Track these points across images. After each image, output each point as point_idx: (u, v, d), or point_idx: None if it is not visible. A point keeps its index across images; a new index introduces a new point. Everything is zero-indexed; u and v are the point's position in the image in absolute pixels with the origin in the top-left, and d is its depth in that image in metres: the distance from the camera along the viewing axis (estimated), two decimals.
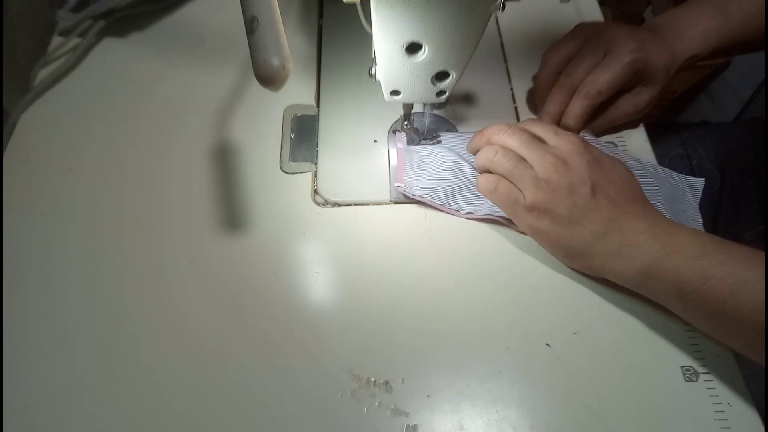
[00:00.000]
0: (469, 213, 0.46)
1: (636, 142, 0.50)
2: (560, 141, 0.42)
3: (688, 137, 0.65)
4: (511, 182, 0.42)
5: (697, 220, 0.46)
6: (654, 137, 0.51)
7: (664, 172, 0.48)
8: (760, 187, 0.62)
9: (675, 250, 0.36)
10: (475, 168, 0.47)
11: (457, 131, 0.52)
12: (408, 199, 0.47)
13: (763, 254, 0.34)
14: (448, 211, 0.47)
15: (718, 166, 0.62)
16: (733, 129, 0.66)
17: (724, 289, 0.33)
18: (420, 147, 0.49)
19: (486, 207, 0.45)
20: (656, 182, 0.46)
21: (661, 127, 0.65)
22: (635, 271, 0.38)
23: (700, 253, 0.35)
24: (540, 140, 0.43)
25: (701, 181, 0.47)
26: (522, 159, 0.42)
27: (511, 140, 0.43)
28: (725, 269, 0.33)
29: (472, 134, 0.48)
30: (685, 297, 0.35)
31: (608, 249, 0.39)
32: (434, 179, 0.47)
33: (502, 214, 0.45)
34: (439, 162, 0.47)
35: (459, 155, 0.48)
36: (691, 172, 0.62)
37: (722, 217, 0.62)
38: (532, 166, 0.41)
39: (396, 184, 0.47)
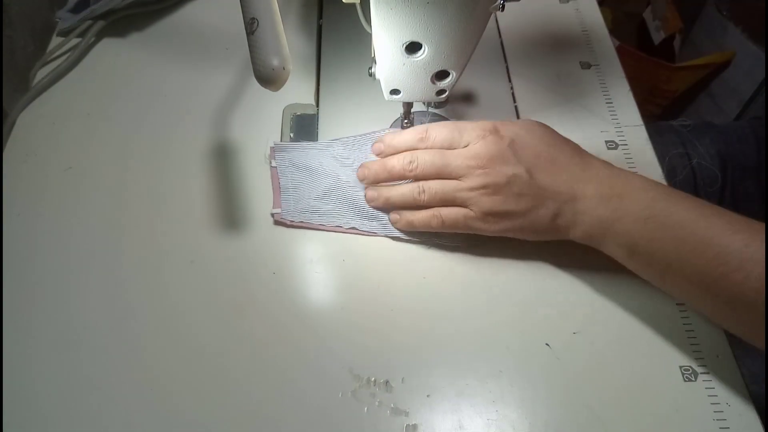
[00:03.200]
0: (353, 228, 0.45)
1: (636, 142, 0.50)
2: (470, 137, 0.41)
3: (688, 136, 0.65)
4: (446, 203, 0.41)
5: None
6: (654, 137, 0.51)
7: None
8: (761, 185, 0.62)
9: (624, 214, 0.37)
10: (356, 183, 0.45)
11: None
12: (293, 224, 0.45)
13: (703, 204, 0.36)
14: (329, 228, 0.45)
15: (719, 165, 0.62)
16: (733, 128, 0.66)
17: (669, 252, 0.35)
18: (296, 158, 0.47)
19: (378, 225, 0.44)
20: None
21: (661, 127, 0.65)
22: (592, 236, 0.39)
23: (648, 215, 0.36)
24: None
25: None
26: (444, 176, 0.41)
27: (424, 159, 0.41)
28: (671, 230, 0.35)
29: (351, 138, 0.47)
30: (635, 257, 0.38)
31: (567, 221, 0.39)
32: (313, 201, 0.45)
33: (395, 232, 0.44)
34: (318, 181, 0.46)
35: (337, 169, 0.46)
36: (692, 172, 0.62)
37: None
38: (458, 178, 0.40)
39: (272, 211, 0.45)
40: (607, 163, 0.40)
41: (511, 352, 0.40)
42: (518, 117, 0.53)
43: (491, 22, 0.59)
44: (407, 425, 0.37)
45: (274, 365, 0.40)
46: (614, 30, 1.17)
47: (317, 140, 0.51)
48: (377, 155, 0.45)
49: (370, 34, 0.37)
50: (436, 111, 0.53)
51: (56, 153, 0.51)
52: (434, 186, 0.41)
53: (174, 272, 0.44)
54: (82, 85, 0.56)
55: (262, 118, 0.52)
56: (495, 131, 0.40)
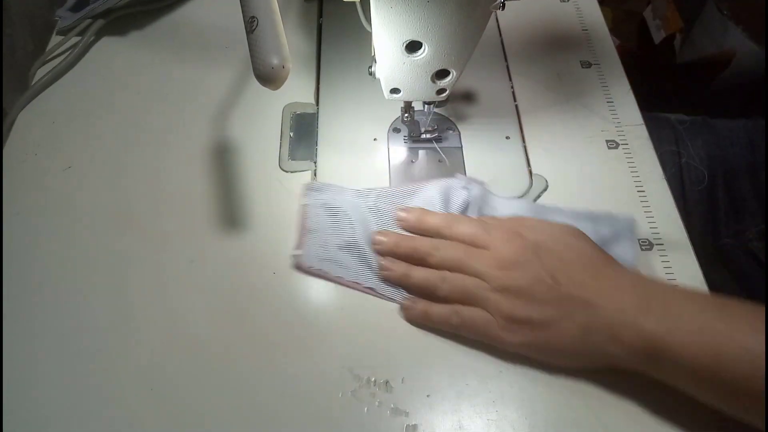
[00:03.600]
0: (370, 288, 0.42)
1: (637, 141, 0.50)
2: (495, 238, 0.39)
3: (682, 135, 0.65)
4: (465, 300, 0.39)
5: (632, 260, 0.42)
6: (649, 131, 0.51)
7: (594, 215, 0.44)
8: (755, 186, 0.62)
9: (676, 325, 0.32)
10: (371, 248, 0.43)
11: (458, 129, 0.52)
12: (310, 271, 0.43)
13: (762, 310, 0.32)
14: (346, 282, 0.42)
15: (708, 165, 0.62)
16: (728, 129, 0.66)
17: (743, 366, 0.30)
18: (329, 200, 0.45)
19: (396, 292, 0.42)
20: (592, 225, 0.43)
21: (659, 121, 0.65)
22: (637, 353, 0.34)
23: (702, 324, 0.32)
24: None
25: (631, 219, 0.44)
26: (465, 273, 0.39)
27: (448, 251, 0.40)
28: (735, 342, 0.31)
29: (387, 190, 0.45)
30: (699, 376, 0.32)
31: (602, 337, 0.35)
32: (336, 250, 0.43)
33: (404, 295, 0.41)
34: (344, 229, 0.44)
35: (366, 221, 0.44)
36: (679, 170, 0.62)
37: (722, 216, 0.62)
38: (481, 279, 0.38)
39: (293, 252, 0.43)
40: (642, 275, 0.37)
41: (511, 353, 0.40)
42: (519, 116, 0.53)
43: (491, 21, 0.59)
44: (407, 425, 0.37)
45: (274, 365, 0.40)
46: (614, 29, 1.17)
47: (317, 138, 0.51)
48: (400, 224, 0.44)
49: (370, 33, 0.37)
50: (437, 110, 0.53)
51: (56, 152, 0.51)
52: (457, 279, 0.39)
53: (174, 272, 0.44)
54: (81, 84, 0.56)
55: (261, 117, 0.52)
56: (520, 235, 0.38)
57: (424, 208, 0.43)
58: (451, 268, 0.39)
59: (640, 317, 0.33)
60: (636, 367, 0.35)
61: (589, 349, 0.36)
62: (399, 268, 0.41)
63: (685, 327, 0.32)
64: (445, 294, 0.39)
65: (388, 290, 0.42)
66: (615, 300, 0.35)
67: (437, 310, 0.39)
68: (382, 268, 0.42)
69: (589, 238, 0.39)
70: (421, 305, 0.40)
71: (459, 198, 0.44)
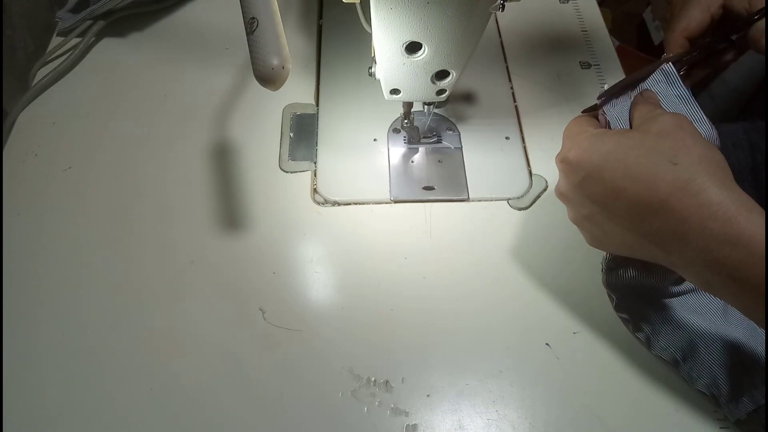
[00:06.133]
0: None
1: None
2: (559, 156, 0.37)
3: None
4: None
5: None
6: None
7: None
8: (757, 188, 0.62)
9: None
10: None
11: (457, 130, 0.52)
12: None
13: None
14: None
15: None
16: (728, 132, 0.66)
17: None
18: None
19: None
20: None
21: None
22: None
23: None
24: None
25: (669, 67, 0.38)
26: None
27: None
28: None
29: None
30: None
31: (666, 263, 0.32)
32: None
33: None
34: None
35: None
36: None
37: None
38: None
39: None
40: (725, 206, 0.28)
41: (511, 352, 0.40)
42: (518, 117, 0.53)
43: (491, 22, 0.59)
44: (407, 425, 0.37)
45: (274, 365, 0.40)
46: (614, 30, 1.17)
47: (317, 139, 0.51)
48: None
49: (370, 34, 0.37)
50: (436, 111, 0.53)
51: (56, 153, 0.51)
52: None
53: (174, 272, 0.44)
54: (82, 85, 0.56)
55: (262, 118, 0.52)
56: (566, 159, 0.35)
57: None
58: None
59: (703, 272, 0.30)
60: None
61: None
62: None
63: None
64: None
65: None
66: (674, 251, 0.30)
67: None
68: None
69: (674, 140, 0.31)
70: None
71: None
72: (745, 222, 0.27)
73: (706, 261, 0.29)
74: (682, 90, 0.37)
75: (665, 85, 0.38)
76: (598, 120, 0.39)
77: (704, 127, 0.35)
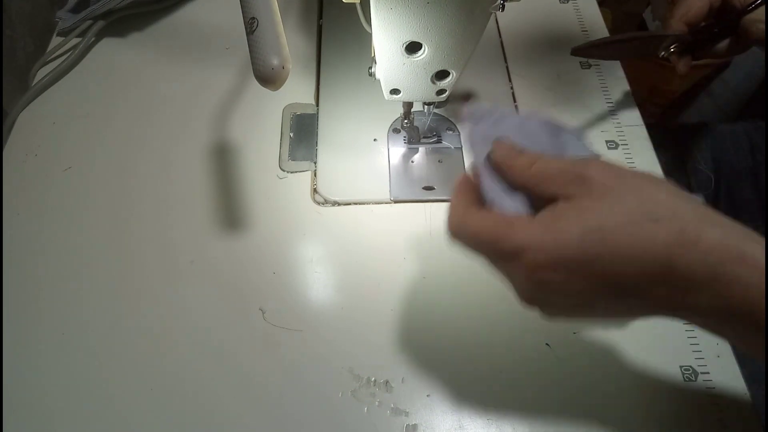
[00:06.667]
0: None
1: (637, 142, 0.50)
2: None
3: (685, 139, 0.65)
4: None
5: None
6: (652, 139, 0.51)
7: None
8: (757, 189, 0.62)
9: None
10: None
11: (457, 130, 0.52)
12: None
13: None
14: None
15: (714, 169, 0.63)
16: (728, 132, 0.66)
17: None
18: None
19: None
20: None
21: (660, 129, 0.65)
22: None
23: None
24: None
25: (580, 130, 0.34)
26: None
27: None
28: None
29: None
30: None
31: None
32: None
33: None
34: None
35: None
36: (686, 175, 0.62)
37: None
38: None
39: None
40: (726, 246, 0.26)
41: (511, 352, 0.40)
42: None
43: (491, 22, 0.59)
44: (407, 425, 0.37)
45: (274, 365, 0.40)
46: (614, 30, 1.17)
47: (318, 139, 0.51)
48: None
49: (370, 34, 0.37)
50: (436, 111, 0.53)
51: (56, 153, 0.51)
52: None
53: (174, 272, 0.44)
54: (82, 85, 0.56)
55: (262, 118, 0.52)
56: (538, 268, 0.28)
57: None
58: None
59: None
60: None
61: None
62: None
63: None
64: None
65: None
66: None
67: None
68: None
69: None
70: None
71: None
72: (751, 251, 0.25)
73: (720, 308, 0.26)
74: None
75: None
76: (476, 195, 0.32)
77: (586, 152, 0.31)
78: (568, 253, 0.27)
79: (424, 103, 0.47)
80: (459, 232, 0.31)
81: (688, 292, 0.26)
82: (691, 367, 0.39)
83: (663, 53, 0.47)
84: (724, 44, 0.48)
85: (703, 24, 0.47)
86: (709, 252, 0.25)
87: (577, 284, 0.28)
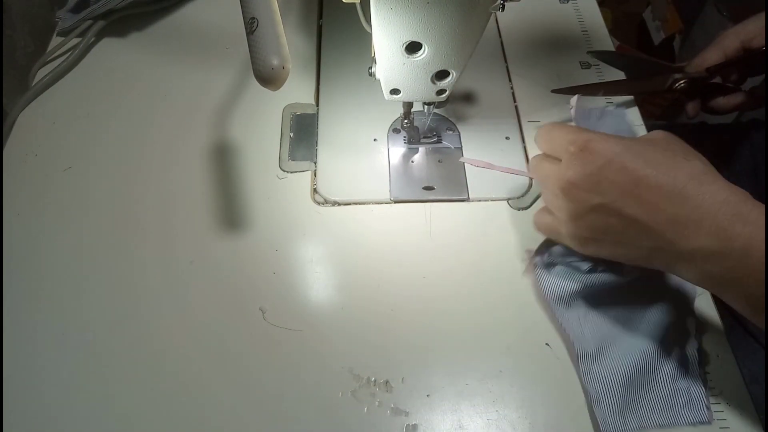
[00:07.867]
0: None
1: None
2: (560, 148, 0.37)
3: (685, 139, 0.65)
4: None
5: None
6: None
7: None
8: (757, 188, 0.62)
9: (746, 275, 0.30)
10: None
11: (457, 130, 0.52)
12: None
13: None
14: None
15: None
16: (728, 132, 0.66)
17: None
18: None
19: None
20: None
21: (660, 129, 0.65)
22: (700, 283, 0.34)
23: None
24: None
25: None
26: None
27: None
28: None
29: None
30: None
31: (665, 266, 0.35)
32: None
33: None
34: None
35: None
36: None
37: None
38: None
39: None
40: (735, 194, 0.31)
41: (511, 352, 0.40)
42: (519, 117, 0.53)
43: (491, 22, 0.59)
44: (407, 425, 0.37)
45: (274, 365, 0.40)
46: (614, 30, 1.17)
47: (317, 139, 0.51)
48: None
49: (370, 34, 0.37)
50: (436, 111, 0.53)
51: (56, 153, 0.51)
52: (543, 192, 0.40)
53: (174, 272, 0.44)
54: (82, 85, 0.56)
55: (262, 118, 0.52)
56: (587, 147, 0.34)
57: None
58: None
59: (709, 263, 0.31)
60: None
61: (650, 265, 0.35)
62: None
63: (759, 277, 0.30)
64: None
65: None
66: (685, 238, 0.32)
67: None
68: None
69: (677, 144, 0.36)
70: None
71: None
72: (752, 204, 0.30)
73: (717, 245, 0.30)
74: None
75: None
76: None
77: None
78: (615, 148, 0.34)
79: (424, 103, 0.47)
80: (547, 127, 0.39)
81: (690, 222, 0.31)
82: None
83: (674, 85, 0.51)
84: (737, 99, 0.52)
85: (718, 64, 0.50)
86: (718, 192, 0.31)
87: (612, 174, 0.33)
